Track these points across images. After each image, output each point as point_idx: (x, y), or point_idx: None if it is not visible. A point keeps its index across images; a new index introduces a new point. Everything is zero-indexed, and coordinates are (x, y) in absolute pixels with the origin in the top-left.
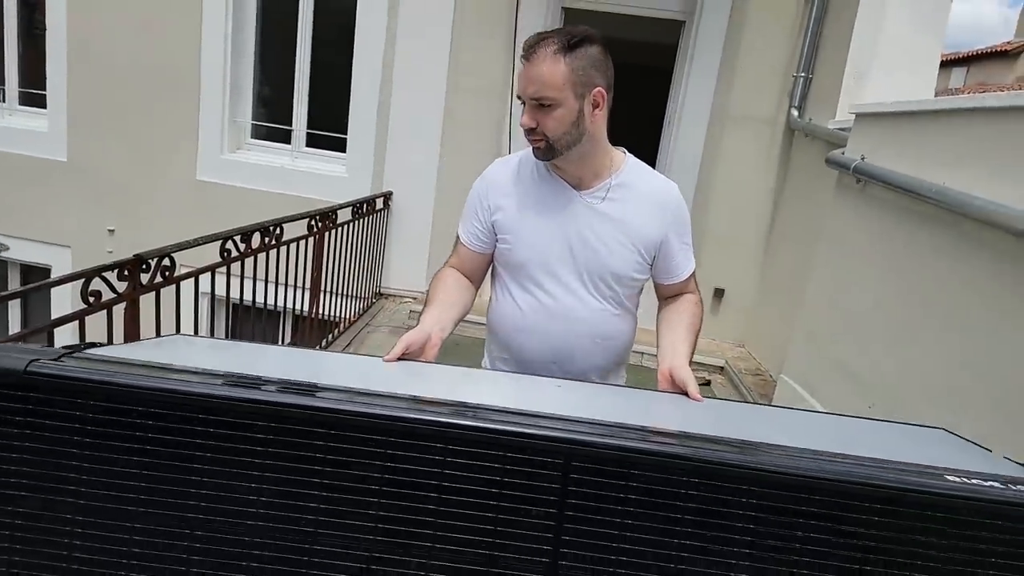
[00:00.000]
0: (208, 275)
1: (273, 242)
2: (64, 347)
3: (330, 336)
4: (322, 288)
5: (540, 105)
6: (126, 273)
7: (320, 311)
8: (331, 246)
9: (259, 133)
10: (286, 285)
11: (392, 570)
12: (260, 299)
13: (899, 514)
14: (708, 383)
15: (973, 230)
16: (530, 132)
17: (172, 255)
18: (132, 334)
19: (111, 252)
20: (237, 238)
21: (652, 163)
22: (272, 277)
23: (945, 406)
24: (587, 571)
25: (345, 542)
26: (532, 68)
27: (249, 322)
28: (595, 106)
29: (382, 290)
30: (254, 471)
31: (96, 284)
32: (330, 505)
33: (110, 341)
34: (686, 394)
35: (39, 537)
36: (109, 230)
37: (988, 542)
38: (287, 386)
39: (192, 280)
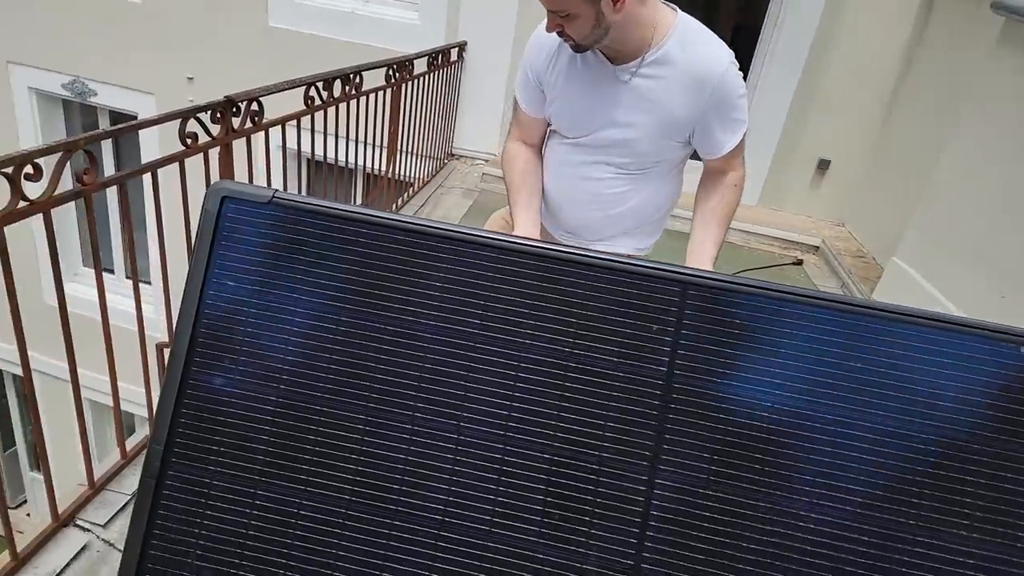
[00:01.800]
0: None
1: (353, 91)
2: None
3: (405, 196)
4: (398, 146)
5: (558, 14)
6: (219, 116)
7: (395, 170)
8: (407, 100)
9: None
10: (365, 142)
11: (538, 367)
12: (332, 155)
13: None
14: (800, 263)
15: None
16: (558, 34)
17: (260, 99)
18: (228, 179)
19: (192, 100)
20: (320, 84)
21: (765, 9)
22: (344, 133)
23: None
24: (700, 380)
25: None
26: None
27: (321, 179)
28: (617, 2)
29: (453, 150)
30: (479, 299)
31: (190, 126)
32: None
33: (207, 184)
34: None
35: (270, 323)
36: (188, 78)
37: None
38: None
39: (278, 129)
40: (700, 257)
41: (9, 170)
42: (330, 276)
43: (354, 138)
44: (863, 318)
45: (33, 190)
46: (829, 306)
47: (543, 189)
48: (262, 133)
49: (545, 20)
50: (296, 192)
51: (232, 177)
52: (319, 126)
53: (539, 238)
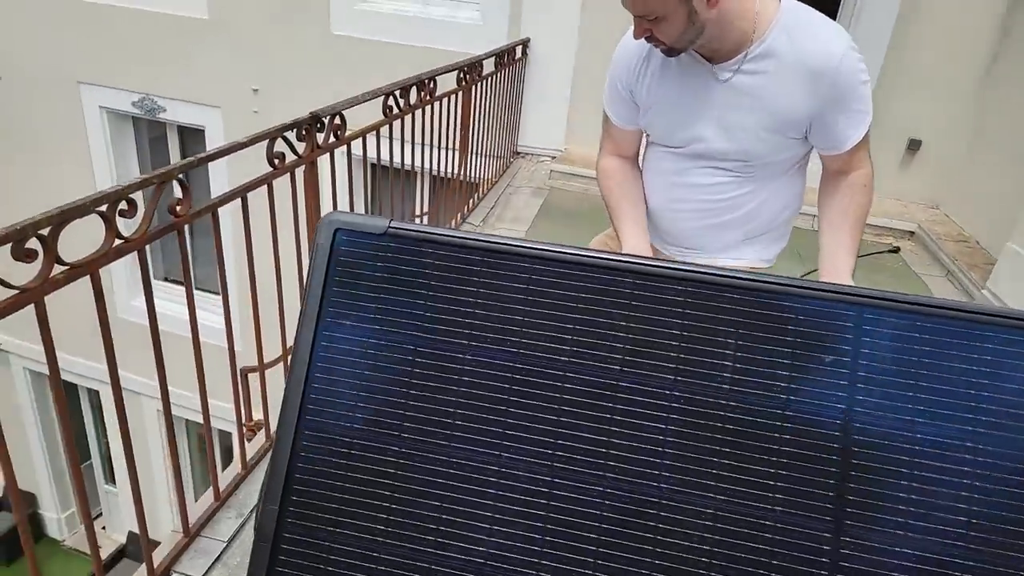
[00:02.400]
0: (363, 139)
1: (428, 97)
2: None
3: (475, 197)
4: (469, 147)
5: (645, 18)
6: (304, 132)
7: (466, 172)
8: (475, 101)
9: None
10: (438, 145)
11: (689, 403)
12: (407, 160)
13: None
14: (897, 250)
15: None
16: (647, 39)
17: (343, 112)
18: (312, 196)
19: (257, 112)
20: (397, 93)
21: None
22: (418, 138)
23: None
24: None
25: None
26: None
27: (388, 185)
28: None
29: (519, 149)
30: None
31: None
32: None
33: (294, 202)
34: None
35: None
36: (253, 89)
37: None
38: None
39: (360, 141)
40: (835, 271)
41: (104, 208)
42: (452, 310)
43: (427, 142)
44: None
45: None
46: None
47: (647, 205)
48: (343, 146)
49: (631, 27)
50: (367, 204)
51: (316, 193)
52: (395, 133)
53: (651, 255)
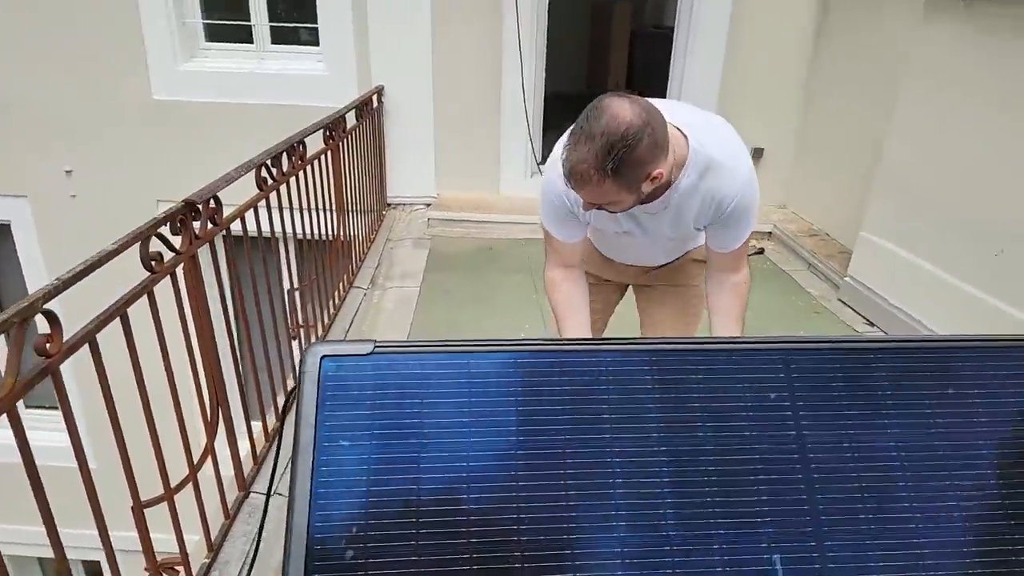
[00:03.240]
0: (241, 220)
1: (299, 161)
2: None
3: (358, 259)
4: (347, 207)
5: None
6: (179, 224)
7: (345, 231)
8: (343, 157)
9: (214, 34)
10: (310, 208)
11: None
12: (278, 229)
13: None
14: (762, 251)
15: None
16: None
17: (218, 194)
18: (198, 297)
19: (75, 196)
20: (269, 162)
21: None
22: (291, 203)
23: None
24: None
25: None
26: (580, 192)
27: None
28: (654, 180)
29: (389, 200)
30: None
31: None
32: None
33: (180, 310)
34: None
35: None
36: (66, 171)
37: None
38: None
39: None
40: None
41: None
42: (449, 412)
43: (303, 207)
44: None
45: None
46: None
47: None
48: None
49: (556, 166)
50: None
51: (202, 292)
52: (278, 201)
53: None
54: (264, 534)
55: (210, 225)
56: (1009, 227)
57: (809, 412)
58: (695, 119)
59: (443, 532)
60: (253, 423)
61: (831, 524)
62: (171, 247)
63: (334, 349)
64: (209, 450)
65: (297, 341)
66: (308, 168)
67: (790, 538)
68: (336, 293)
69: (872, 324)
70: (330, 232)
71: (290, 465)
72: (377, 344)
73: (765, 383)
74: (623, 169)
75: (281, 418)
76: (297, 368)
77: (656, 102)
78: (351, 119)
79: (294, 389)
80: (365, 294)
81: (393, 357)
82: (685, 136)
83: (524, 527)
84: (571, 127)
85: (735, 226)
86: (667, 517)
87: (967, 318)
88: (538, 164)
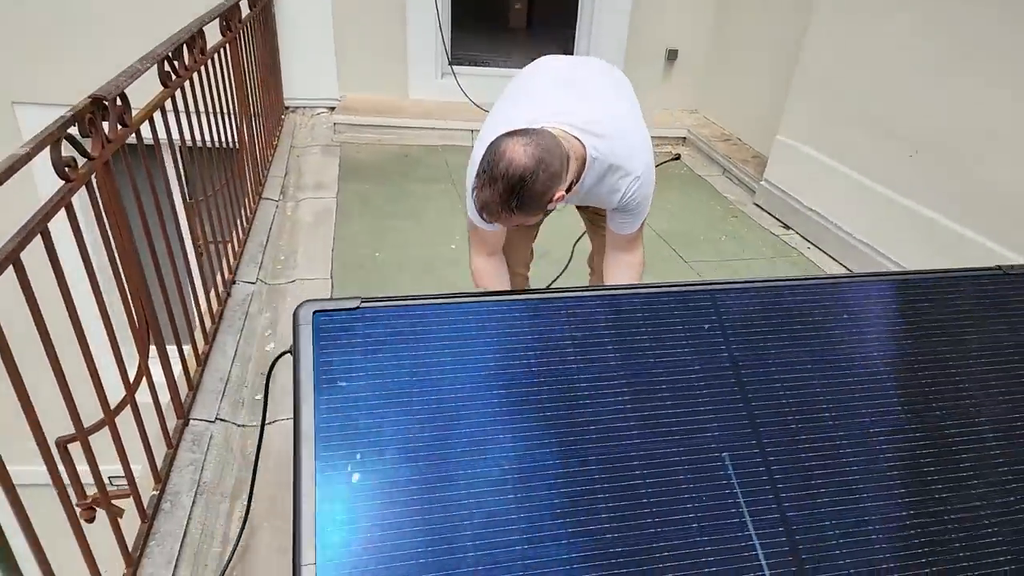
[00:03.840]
0: (150, 121)
1: (200, 55)
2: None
3: (262, 168)
4: (251, 110)
5: None
6: (88, 125)
7: (250, 136)
8: (240, 52)
9: None
10: (215, 112)
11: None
12: (187, 136)
13: None
14: (678, 157)
15: None
16: None
17: (125, 92)
18: (117, 211)
19: None
20: (170, 54)
21: None
22: (196, 104)
23: (1005, 150)
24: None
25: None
26: (493, 221)
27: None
28: (556, 200)
29: (287, 103)
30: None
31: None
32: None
33: (99, 221)
34: None
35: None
36: None
37: None
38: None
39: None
40: None
41: None
42: (432, 358)
43: (204, 109)
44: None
45: None
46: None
47: None
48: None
49: (474, 157)
50: None
51: (120, 203)
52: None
53: None
54: (207, 461)
55: (119, 127)
56: (922, 131)
57: (736, 338)
58: (596, 114)
59: (437, 463)
60: (184, 347)
61: (766, 426)
62: (83, 152)
63: (324, 305)
64: (144, 369)
65: (205, 257)
66: (208, 64)
67: (734, 439)
68: (246, 205)
69: (788, 227)
70: (231, 138)
71: (293, 406)
72: (362, 300)
73: (699, 317)
74: (525, 203)
75: (210, 340)
76: (213, 291)
77: (559, 90)
78: (244, 7)
79: (221, 311)
80: (277, 206)
81: (377, 311)
82: (583, 145)
83: (509, 449)
84: (479, 162)
85: (630, 215)
86: (631, 430)
87: (882, 219)
88: (449, 64)
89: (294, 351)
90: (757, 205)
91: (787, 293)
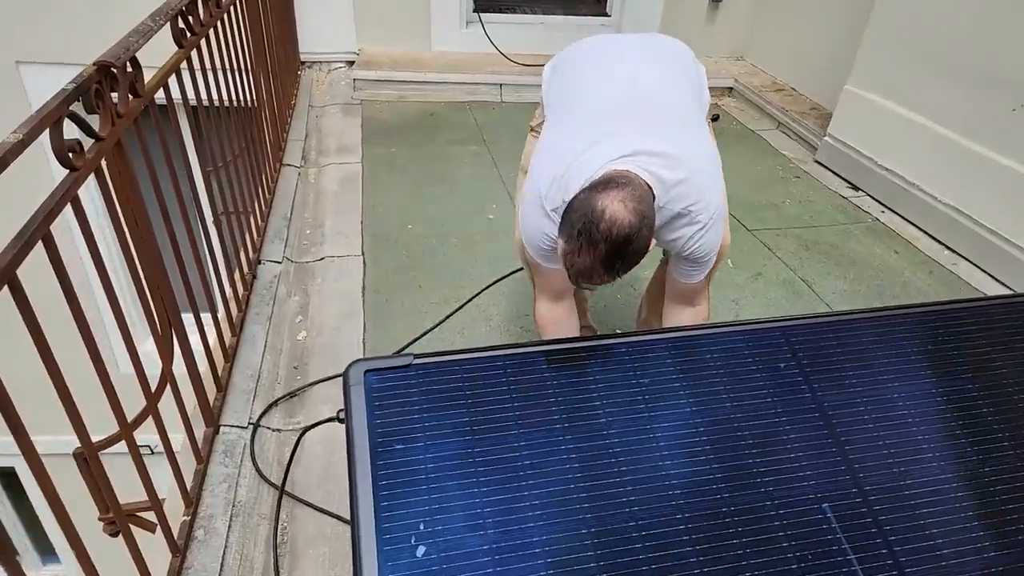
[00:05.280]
0: (165, 87)
1: (216, 8)
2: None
3: (282, 131)
4: (268, 67)
5: None
6: (95, 99)
7: (268, 94)
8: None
9: None
10: (232, 70)
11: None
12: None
13: None
14: (717, 118)
15: None
16: None
17: (136, 56)
18: (134, 200)
19: None
20: (184, 8)
21: None
22: (212, 63)
23: None
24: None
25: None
26: (587, 284)
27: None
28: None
29: (303, 57)
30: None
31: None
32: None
33: (112, 213)
34: None
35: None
36: None
37: None
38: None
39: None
40: None
41: None
42: (493, 412)
43: (221, 65)
44: None
45: None
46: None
47: None
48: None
49: (543, 210)
50: None
51: (138, 190)
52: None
53: None
54: (241, 476)
55: (131, 98)
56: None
57: (818, 376)
58: (669, 147)
59: (507, 529)
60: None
61: (866, 471)
62: (90, 132)
63: (375, 363)
64: (168, 375)
65: (226, 234)
66: (223, 18)
67: (832, 488)
68: (266, 172)
69: (858, 189)
70: (250, 97)
71: (348, 472)
72: (415, 357)
73: (774, 357)
74: (629, 263)
75: (237, 332)
76: (237, 273)
77: (630, 109)
78: None
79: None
80: (300, 173)
81: (429, 367)
82: (654, 193)
83: (586, 510)
84: (566, 221)
85: (694, 265)
86: (717, 482)
87: (975, 181)
88: (475, 11)
89: (346, 414)
90: (819, 163)
91: (866, 325)
